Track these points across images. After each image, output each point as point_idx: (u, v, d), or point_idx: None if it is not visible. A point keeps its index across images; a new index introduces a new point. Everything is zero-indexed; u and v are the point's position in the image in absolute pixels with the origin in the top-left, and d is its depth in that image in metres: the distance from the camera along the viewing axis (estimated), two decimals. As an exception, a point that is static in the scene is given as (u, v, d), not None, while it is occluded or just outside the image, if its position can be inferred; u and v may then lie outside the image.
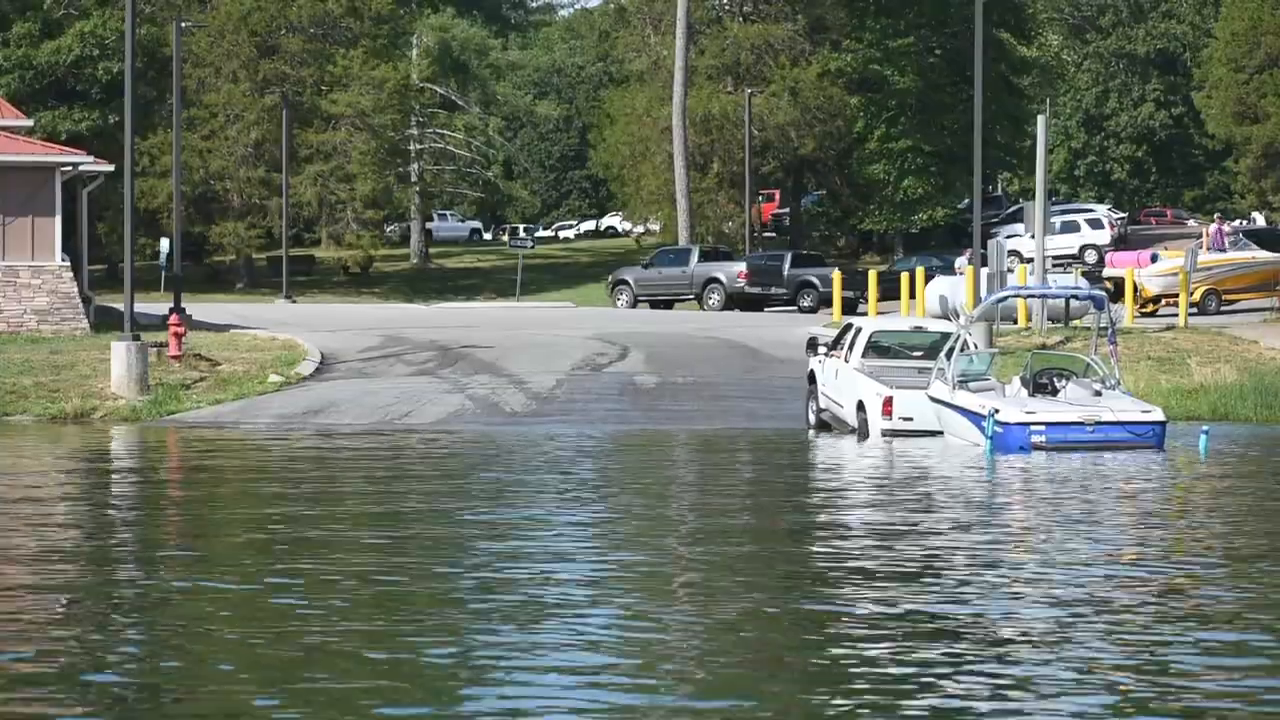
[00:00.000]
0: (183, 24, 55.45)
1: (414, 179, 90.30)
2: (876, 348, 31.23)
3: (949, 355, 28.57)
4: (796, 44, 78.94)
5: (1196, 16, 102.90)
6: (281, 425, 32.59)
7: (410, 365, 40.53)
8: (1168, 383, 36.19)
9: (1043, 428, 26.49)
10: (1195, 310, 48.89)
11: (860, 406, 29.97)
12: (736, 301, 62.71)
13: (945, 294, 49.03)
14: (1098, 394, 27.68)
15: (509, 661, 11.03)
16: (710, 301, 63.48)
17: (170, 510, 21.01)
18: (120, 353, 36.24)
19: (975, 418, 27.05)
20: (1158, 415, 27.13)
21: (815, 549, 16.67)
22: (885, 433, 29.19)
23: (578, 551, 16.13)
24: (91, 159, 46.28)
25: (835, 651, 11.52)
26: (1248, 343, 41.89)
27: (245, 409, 34.95)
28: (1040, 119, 50.35)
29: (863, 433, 29.79)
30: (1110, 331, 29.60)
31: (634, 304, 65.51)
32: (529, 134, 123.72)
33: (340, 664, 11.07)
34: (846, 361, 30.89)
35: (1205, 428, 28.20)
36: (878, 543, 16.90)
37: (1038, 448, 26.28)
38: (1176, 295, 48.44)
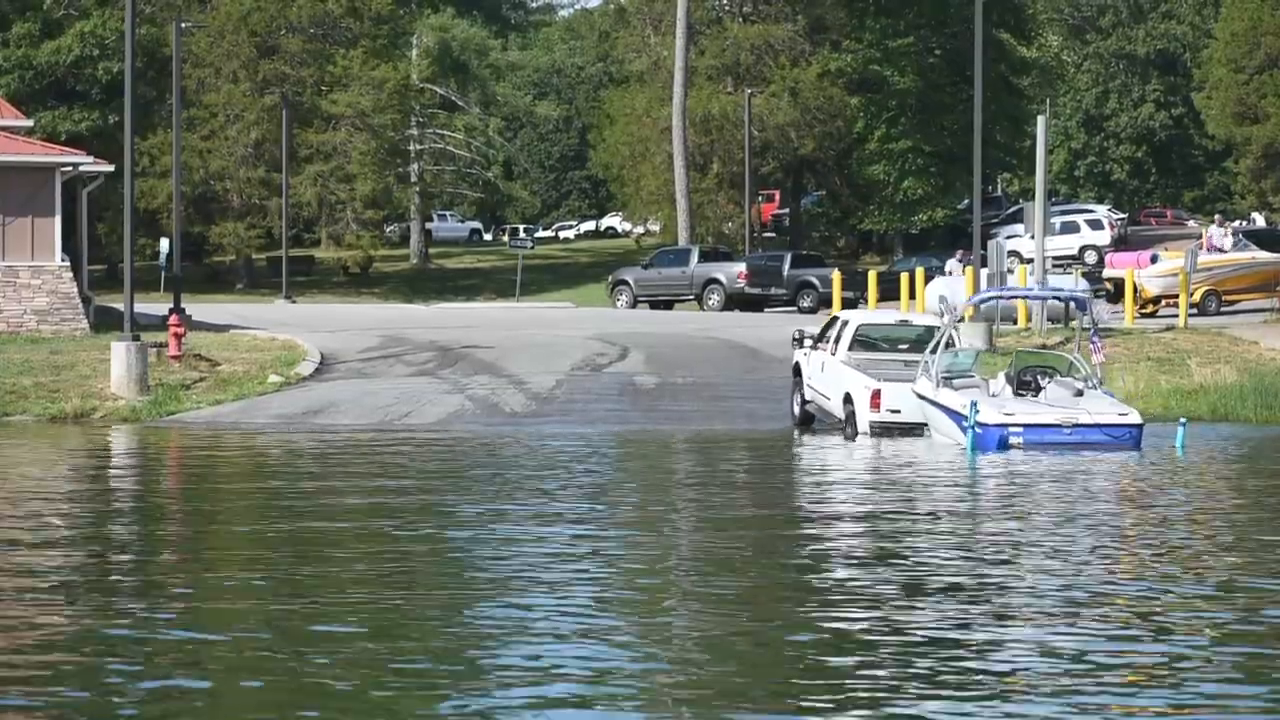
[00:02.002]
0: (183, 24, 55.45)
1: (414, 179, 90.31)
2: (863, 341, 31.68)
3: (934, 351, 28.88)
4: (796, 44, 78.96)
5: (1196, 17, 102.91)
6: (281, 425, 32.59)
7: (410, 365, 40.53)
8: (1168, 383, 36.19)
9: (1021, 429, 26.86)
10: (1195, 311, 48.88)
11: (847, 399, 30.29)
12: (736, 302, 62.71)
13: (945, 294, 49.06)
14: (1079, 393, 27.95)
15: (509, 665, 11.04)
16: (710, 302, 63.47)
17: (168, 512, 21.00)
18: (120, 353, 36.23)
19: (957, 416, 27.37)
20: (1134, 418, 27.47)
21: (800, 550, 16.69)
22: (873, 425, 29.55)
23: (563, 561, 16.14)
24: (91, 159, 46.27)
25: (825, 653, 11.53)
26: (1248, 343, 41.88)
27: (245, 409, 34.95)
28: (1040, 119, 50.33)
29: (849, 424, 30.10)
30: (1093, 331, 30.02)
31: (634, 304, 65.50)
32: (529, 134, 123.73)
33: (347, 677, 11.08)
34: (833, 354, 31.28)
35: (1183, 420, 28.54)
36: (860, 543, 16.93)
37: (1016, 448, 26.59)
38: (1176, 296, 48.42)
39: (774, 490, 23.63)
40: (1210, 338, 42.93)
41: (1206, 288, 51.09)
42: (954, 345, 30.21)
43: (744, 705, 10.14)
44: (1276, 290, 50.27)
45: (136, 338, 36.89)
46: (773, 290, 62.63)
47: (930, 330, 31.30)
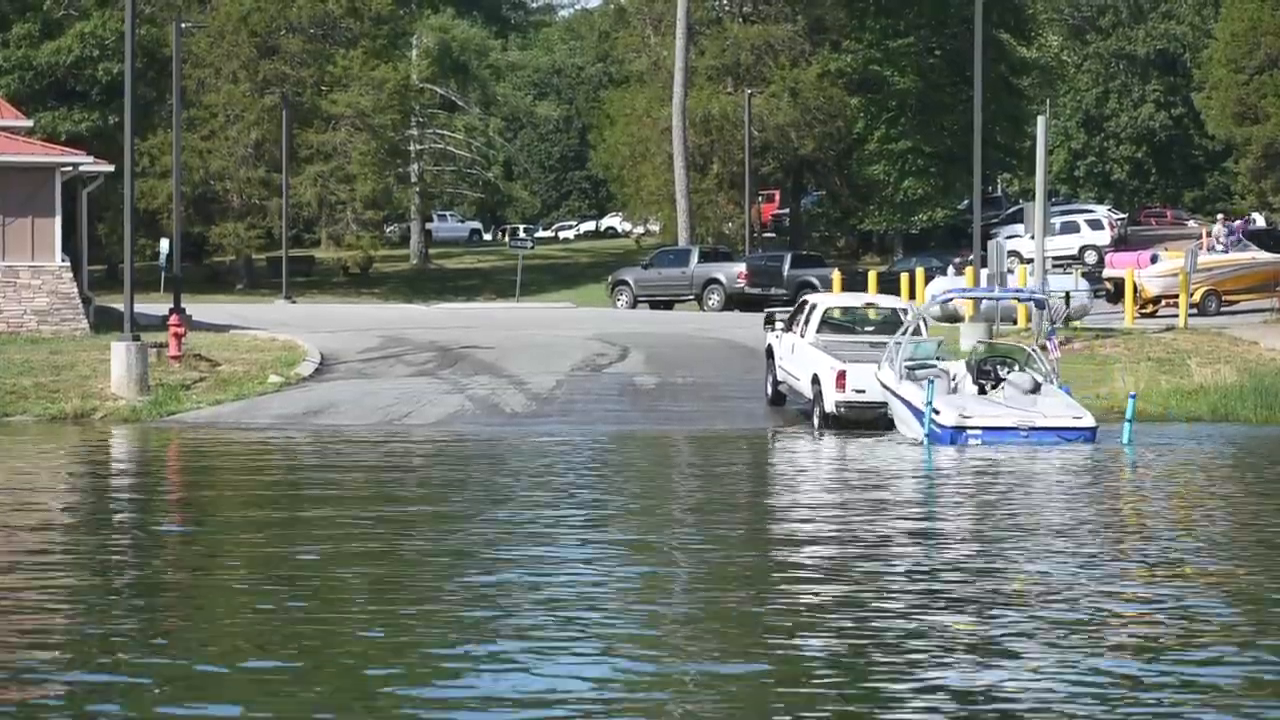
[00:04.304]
0: (183, 24, 55.43)
1: (414, 179, 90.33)
2: (830, 323, 33.19)
3: (900, 339, 29.93)
4: (796, 44, 78.97)
5: (1196, 17, 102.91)
6: (281, 426, 32.58)
7: (410, 366, 40.51)
8: (1168, 383, 36.18)
9: (979, 432, 27.64)
10: (1195, 311, 48.89)
11: (815, 379, 31.46)
12: (736, 302, 62.68)
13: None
14: (1036, 388, 28.84)
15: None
16: (710, 302, 63.47)
17: (169, 513, 21.01)
18: (120, 353, 36.21)
19: (918, 412, 28.22)
20: (1088, 421, 28.15)
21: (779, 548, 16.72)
22: (839, 404, 30.71)
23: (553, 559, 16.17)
24: (91, 159, 46.24)
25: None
26: (1248, 343, 41.88)
27: (245, 409, 34.92)
28: (1040, 119, 50.31)
29: (817, 404, 31.27)
30: (1050, 331, 31.47)
31: (634, 304, 65.50)
32: (529, 134, 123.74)
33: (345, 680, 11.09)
34: (802, 336, 32.67)
35: (1133, 393, 29.89)
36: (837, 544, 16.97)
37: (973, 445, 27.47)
38: (1176, 296, 48.44)
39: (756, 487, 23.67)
40: (1210, 338, 42.92)
41: (1206, 288, 51.10)
42: (921, 333, 31.34)
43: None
44: (1276, 290, 50.28)
45: (137, 338, 36.85)
46: (773, 290, 62.58)
47: (895, 313, 33.00)
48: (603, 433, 30.86)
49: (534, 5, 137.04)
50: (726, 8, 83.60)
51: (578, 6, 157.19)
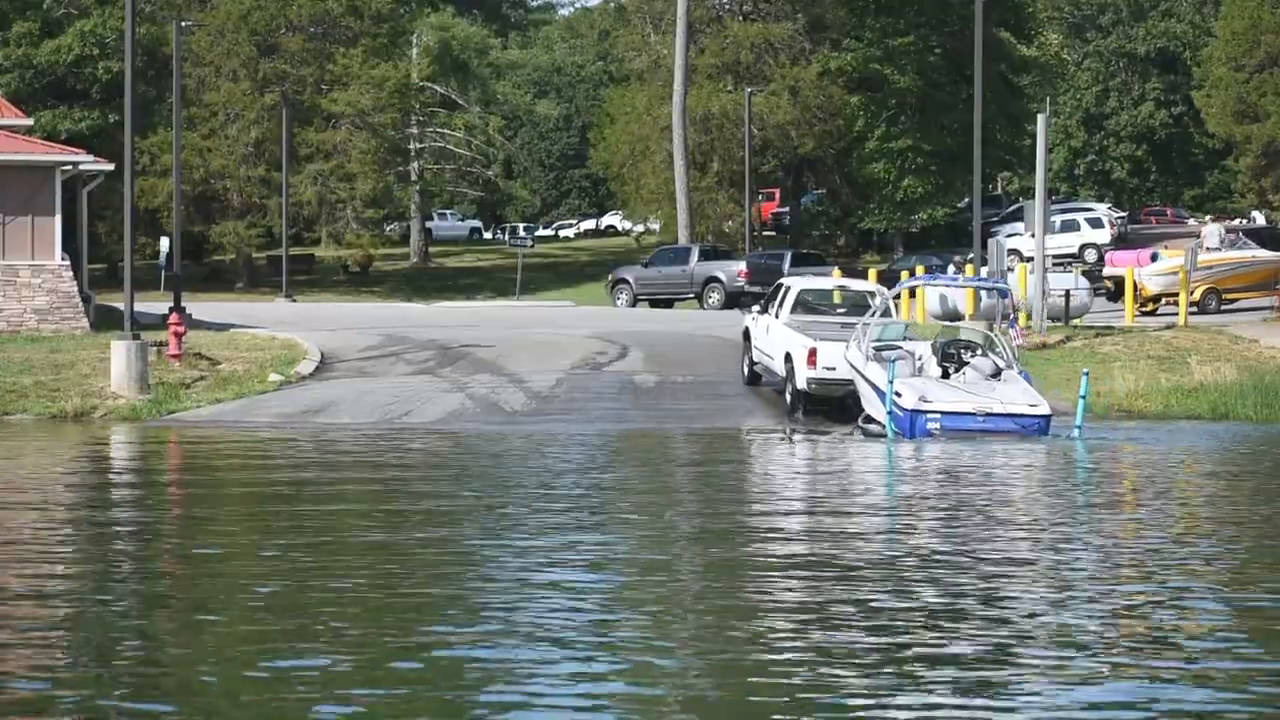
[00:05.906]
0: (183, 23, 55.46)
1: (414, 178, 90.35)
2: (804, 304, 34.54)
3: (868, 321, 31.14)
4: (796, 43, 79.00)
5: (1196, 16, 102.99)
6: (281, 424, 32.57)
7: (410, 364, 40.51)
8: (1168, 381, 36.19)
9: (938, 416, 28.59)
10: (1195, 309, 48.92)
11: (788, 358, 32.72)
12: (736, 300, 62.70)
13: (944, 293, 49.06)
14: (997, 374, 29.82)
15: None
16: (710, 300, 63.48)
17: (169, 515, 21.02)
18: (120, 352, 36.22)
19: (881, 392, 29.17)
20: (1044, 409, 28.97)
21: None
22: (810, 380, 31.88)
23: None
24: (91, 158, 46.24)
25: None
26: (1248, 342, 41.91)
27: (245, 408, 34.93)
28: (1040, 118, 50.30)
29: (789, 381, 32.58)
30: (1012, 319, 33.21)
31: (634, 303, 65.52)
32: (529, 133, 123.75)
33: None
34: (777, 318, 34.03)
35: (1085, 370, 30.88)
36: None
37: (933, 433, 28.39)
38: (1176, 294, 48.48)
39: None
40: (1210, 336, 42.94)
41: (1206, 286, 51.13)
42: (890, 315, 32.73)
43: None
44: (1276, 289, 50.32)
45: (137, 336, 36.87)
46: (773, 289, 62.63)
47: (865, 296, 34.57)
48: (601, 430, 30.88)
49: (534, 4, 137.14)
50: (726, 6, 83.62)
51: (578, 5, 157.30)
